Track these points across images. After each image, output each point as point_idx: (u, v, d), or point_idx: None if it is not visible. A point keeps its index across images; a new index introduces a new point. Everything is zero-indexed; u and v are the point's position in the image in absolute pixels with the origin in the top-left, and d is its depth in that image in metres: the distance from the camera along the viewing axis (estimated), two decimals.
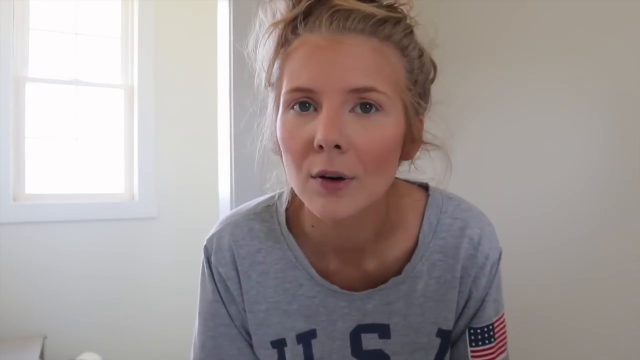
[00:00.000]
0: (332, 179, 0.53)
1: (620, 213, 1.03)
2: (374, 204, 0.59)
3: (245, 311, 0.68)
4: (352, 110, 0.54)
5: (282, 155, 0.59)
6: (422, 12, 0.59)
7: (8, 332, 2.17)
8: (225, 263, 0.68)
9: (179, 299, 2.31)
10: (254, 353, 0.70)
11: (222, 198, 1.57)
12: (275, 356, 0.68)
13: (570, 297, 1.12)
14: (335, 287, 0.66)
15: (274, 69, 0.59)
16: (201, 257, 0.70)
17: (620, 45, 1.04)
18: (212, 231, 0.70)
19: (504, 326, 0.70)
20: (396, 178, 0.65)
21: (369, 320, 0.67)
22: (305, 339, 0.68)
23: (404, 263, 0.65)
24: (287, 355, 0.68)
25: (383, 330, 0.67)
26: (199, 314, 0.71)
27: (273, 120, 0.60)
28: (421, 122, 0.62)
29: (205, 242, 0.70)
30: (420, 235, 0.65)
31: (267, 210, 0.69)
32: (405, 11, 0.58)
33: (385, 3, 0.57)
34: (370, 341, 0.67)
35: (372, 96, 0.53)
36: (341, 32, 0.54)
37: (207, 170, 2.19)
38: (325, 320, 0.67)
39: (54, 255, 2.31)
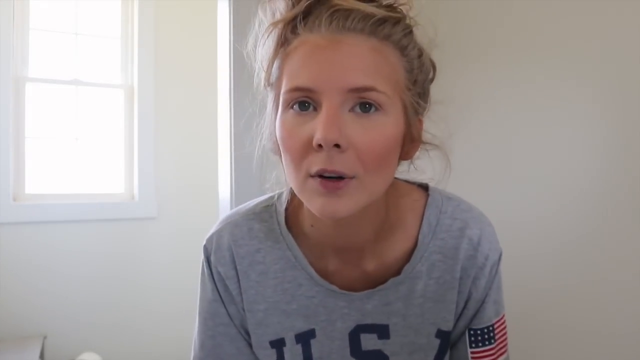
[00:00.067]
0: (331, 179, 0.53)
1: (623, 214, 1.03)
2: (374, 203, 0.59)
3: (244, 311, 0.68)
4: (352, 109, 0.54)
5: (281, 155, 0.59)
6: (421, 12, 0.59)
7: (8, 332, 2.17)
8: (224, 262, 0.68)
9: (179, 299, 2.31)
10: (253, 353, 0.70)
11: (222, 198, 1.57)
12: (274, 356, 0.68)
13: (571, 298, 1.12)
14: (335, 287, 0.66)
15: (273, 69, 0.59)
16: (201, 256, 0.70)
17: (621, 45, 1.04)
18: (211, 231, 0.70)
19: (505, 327, 0.69)
20: (396, 178, 0.65)
21: (368, 321, 0.66)
22: (304, 338, 0.68)
23: (403, 263, 0.65)
24: (286, 355, 0.68)
25: (382, 331, 0.67)
26: (199, 313, 0.71)
27: (272, 120, 0.60)
28: (420, 121, 0.62)
29: (204, 242, 0.70)
30: (420, 236, 0.65)
31: (266, 210, 0.69)
32: (404, 11, 0.58)
33: (384, 3, 0.57)
34: (369, 341, 0.67)
35: (372, 96, 0.53)
36: (341, 31, 0.54)
37: (207, 170, 2.19)
38: (325, 320, 0.67)
39: (54, 255, 2.31)
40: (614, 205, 1.05)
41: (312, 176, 0.54)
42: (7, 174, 2.23)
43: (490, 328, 0.67)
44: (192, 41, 2.54)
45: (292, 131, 0.55)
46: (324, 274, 0.66)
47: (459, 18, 1.34)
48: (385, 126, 0.54)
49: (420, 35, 0.60)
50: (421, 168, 0.66)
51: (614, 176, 1.05)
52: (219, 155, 1.58)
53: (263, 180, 0.70)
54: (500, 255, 0.68)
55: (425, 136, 0.63)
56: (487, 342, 0.67)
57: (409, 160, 0.64)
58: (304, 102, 0.54)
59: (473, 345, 0.67)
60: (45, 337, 2.20)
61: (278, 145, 0.58)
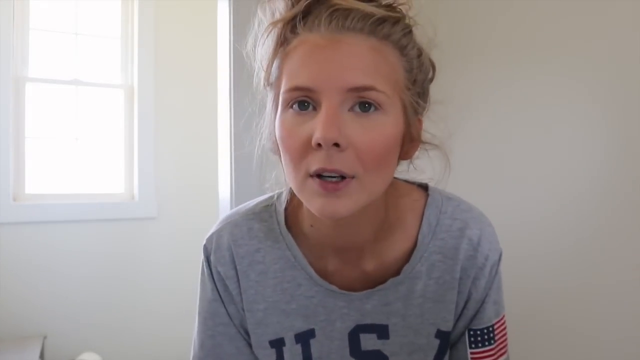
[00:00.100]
0: (331, 181, 0.53)
1: (623, 214, 1.03)
2: (373, 203, 0.59)
3: (244, 310, 0.68)
4: (351, 109, 0.53)
5: (281, 155, 0.58)
6: (420, 12, 0.59)
7: (8, 332, 2.17)
8: (224, 262, 0.68)
9: (179, 299, 2.31)
10: (252, 352, 0.70)
11: (222, 198, 1.57)
12: (274, 356, 0.68)
13: (571, 299, 1.12)
14: (334, 287, 0.66)
15: (273, 68, 0.59)
16: (201, 256, 0.70)
17: (621, 45, 1.03)
18: (211, 230, 0.70)
19: (505, 328, 0.69)
20: (395, 178, 0.65)
21: (367, 321, 0.66)
22: (304, 338, 0.68)
23: (403, 263, 0.65)
24: (286, 354, 0.68)
25: (382, 331, 0.67)
26: (199, 313, 0.71)
27: (272, 120, 0.60)
28: (420, 121, 0.62)
29: (204, 242, 0.70)
30: (420, 236, 0.65)
31: (266, 210, 0.69)
32: (404, 11, 0.58)
33: (384, 2, 0.57)
34: (368, 341, 0.67)
35: (371, 95, 0.53)
36: (340, 31, 0.54)
37: (207, 170, 2.19)
38: (324, 320, 0.67)
39: (54, 255, 2.31)
40: (614, 206, 1.04)
41: (311, 176, 0.54)
42: (7, 174, 2.23)
43: (490, 328, 0.67)
44: (192, 41, 2.54)
45: (291, 131, 0.54)
46: (324, 274, 0.66)
47: (458, 18, 1.34)
48: (384, 126, 0.54)
49: (420, 35, 0.60)
50: (421, 168, 0.66)
51: (614, 176, 1.05)
52: (219, 155, 1.58)
53: (263, 180, 0.70)
54: (500, 255, 0.68)
55: (425, 136, 0.63)
56: (487, 343, 0.67)
57: (409, 160, 0.64)
58: (303, 101, 0.54)
59: (473, 345, 0.67)
60: (45, 337, 2.20)
61: (278, 145, 0.58)
